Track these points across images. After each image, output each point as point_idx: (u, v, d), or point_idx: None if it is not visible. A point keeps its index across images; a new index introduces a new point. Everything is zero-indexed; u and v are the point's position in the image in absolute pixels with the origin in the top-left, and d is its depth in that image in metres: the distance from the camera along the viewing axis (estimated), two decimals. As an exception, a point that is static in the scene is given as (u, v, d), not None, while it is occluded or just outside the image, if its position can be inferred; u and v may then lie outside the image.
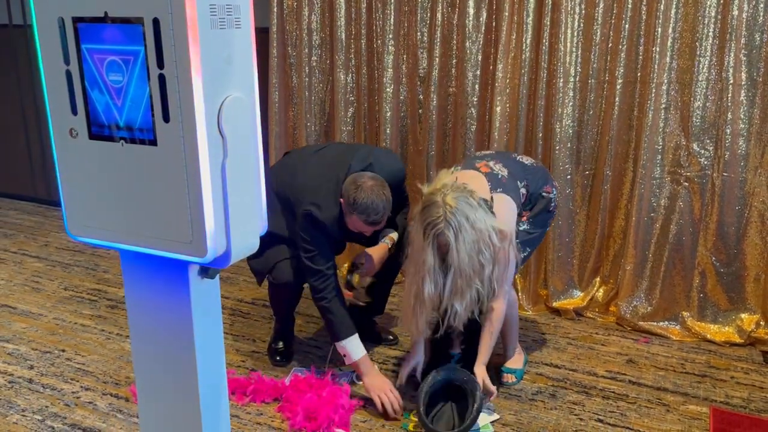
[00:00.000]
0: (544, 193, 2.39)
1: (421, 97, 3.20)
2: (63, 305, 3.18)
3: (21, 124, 4.69)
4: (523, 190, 2.33)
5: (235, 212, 1.26)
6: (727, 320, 2.85)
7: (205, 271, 1.35)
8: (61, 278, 3.50)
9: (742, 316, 2.82)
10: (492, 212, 2.10)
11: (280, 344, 2.70)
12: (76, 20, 1.21)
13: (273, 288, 2.62)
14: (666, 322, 2.91)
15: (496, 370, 2.55)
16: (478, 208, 2.02)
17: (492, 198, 2.19)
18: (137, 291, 1.44)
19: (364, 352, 2.37)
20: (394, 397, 2.30)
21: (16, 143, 4.76)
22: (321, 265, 2.35)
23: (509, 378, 2.53)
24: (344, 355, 2.37)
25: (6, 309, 3.14)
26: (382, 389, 2.31)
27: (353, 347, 2.36)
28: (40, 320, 3.02)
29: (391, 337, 2.87)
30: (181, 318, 1.40)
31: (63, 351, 2.74)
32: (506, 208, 2.21)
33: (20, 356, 2.70)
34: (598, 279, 3.09)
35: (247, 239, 1.31)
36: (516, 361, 2.58)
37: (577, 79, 2.86)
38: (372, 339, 2.86)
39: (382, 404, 2.28)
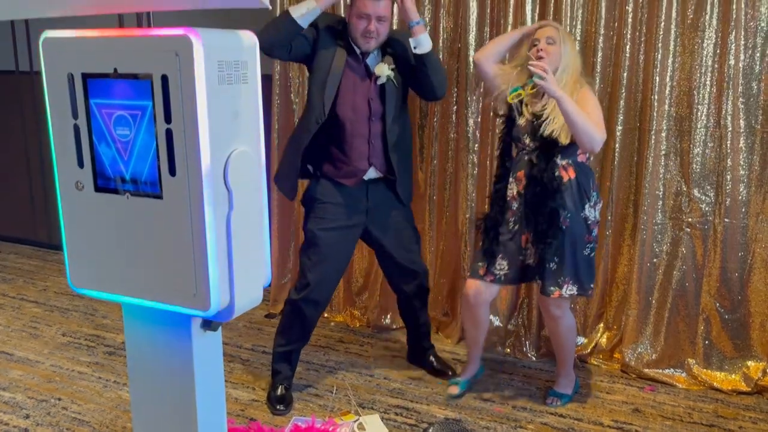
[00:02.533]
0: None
1: (422, 142, 3.22)
2: (60, 352, 3.14)
3: (24, 168, 4.71)
4: None
5: (239, 265, 1.25)
6: (733, 368, 2.81)
7: (208, 324, 1.34)
8: (60, 324, 3.46)
9: (749, 363, 2.79)
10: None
11: (279, 390, 2.66)
12: (86, 76, 1.23)
13: (296, 306, 2.59)
14: (671, 370, 2.87)
15: (544, 392, 2.70)
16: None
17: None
18: (138, 342, 1.42)
19: None
20: None
21: (19, 187, 4.77)
22: None
23: (555, 401, 2.64)
24: (306, 12, 2.35)
25: (3, 356, 3.10)
26: None
27: (300, 5, 2.36)
28: (37, 367, 2.98)
29: (450, 372, 2.86)
30: (183, 370, 1.38)
31: (59, 399, 2.70)
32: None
33: (16, 405, 2.66)
34: (601, 325, 3.06)
35: (251, 292, 1.30)
36: (566, 386, 2.67)
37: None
38: (426, 365, 2.88)
39: None
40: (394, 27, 2.94)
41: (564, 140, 2.31)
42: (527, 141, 2.43)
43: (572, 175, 2.38)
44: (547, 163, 2.37)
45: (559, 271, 2.42)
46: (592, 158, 2.51)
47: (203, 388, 1.38)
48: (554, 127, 2.31)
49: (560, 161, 2.38)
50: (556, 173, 2.37)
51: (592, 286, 2.50)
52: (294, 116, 3.42)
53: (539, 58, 2.33)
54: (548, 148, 2.36)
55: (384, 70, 2.46)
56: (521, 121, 2.45)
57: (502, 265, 2.48)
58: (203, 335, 1.36)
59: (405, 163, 2.64)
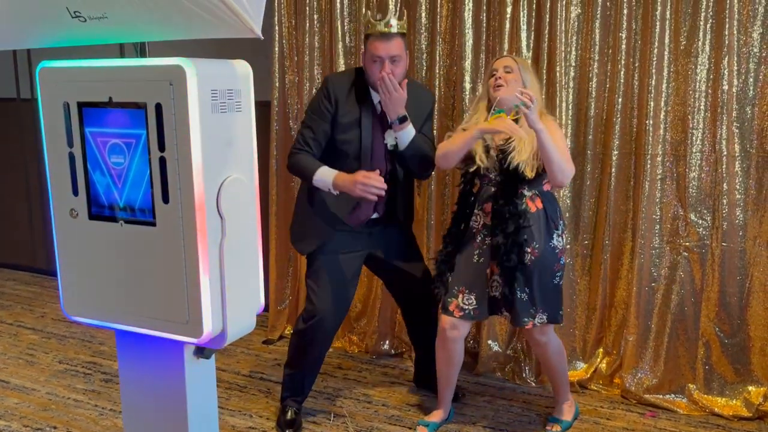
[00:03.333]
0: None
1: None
2: (57, 379, 3.12)
3: (24, 194, 4.73)
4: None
5: (232, 292, 1.25)
6: (734, 393, 2.78)
7: (201, 351, 1.33)
8: (56, 351, 3.45)
9: (750, 388, 2.77)
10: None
11: (289, 413, 2.63)
12: (82, 105, 1.24)
13: (305, 335, 2.57)
14: (672, 395, 2.85)
15: (543, 418, 2.66)
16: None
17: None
18: (132, 370, 1.42)
19: (334, 172, 2.37)
20: (374, 180, 2.30)
21: (19, 214, 4.78)
22: (307, 143, 2.44)
23: (554, 427, 2.60)
24: (327, 188, 2.39)
25: (-1, 383, 3.08)
26: (359, 183, 2.30)
27: (324, 175, 2.38)
28: (33, 395, 2.96)
29: (460, 394, 2.84)
30: (175, 397, 1.37)
31: (55, 428, 2.68)
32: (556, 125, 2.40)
33: (11, 434, 2.64)
34: (601, 350, 3.04)
35: (243, 319, 1.30)
36: (565, 412, 2.64)
37: (575, 151, 2.90)
38: (433, 388, 2.80)
39: (369, 192, 2.32)
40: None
41: (530, 173, 2.31)
42: (492, 175, 2.41)
43: (539, 205, 2.38)
44: (513, 196, 2.36)
45: (530, 302, 2.40)
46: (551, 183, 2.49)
47: (196, 416, 1.37)
48: (520, 159, 2.30)
49: (527, 192, 2.37)
50: (523, 206, 2.36)
51: (561, 312, 2.48)
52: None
53: (498, 86, 2.34)
54: (514, 180, 2.35)
55: (390, 140, 2.50)
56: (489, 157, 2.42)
57: (470, 300, 2.44)
58: (196, 362, 1.35)
59: (405, 194, 2.64)
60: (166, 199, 1.20)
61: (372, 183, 2.29)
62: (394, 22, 2.35)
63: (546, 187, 2.41)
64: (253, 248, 1.32)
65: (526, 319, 2.40)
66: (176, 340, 1.28)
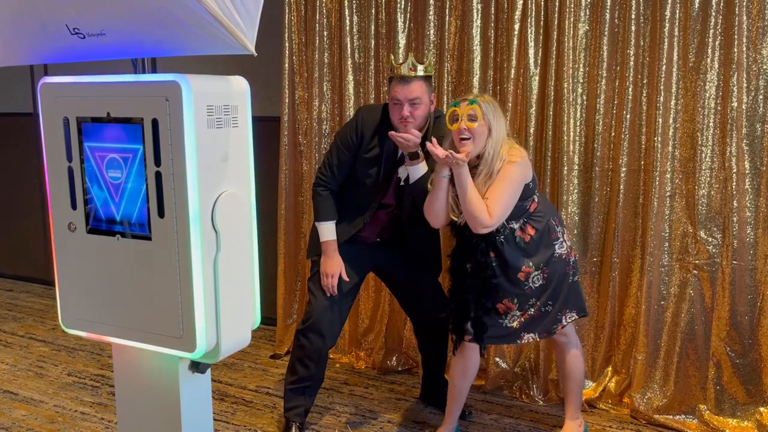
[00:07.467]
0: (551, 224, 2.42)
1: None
2: (65, 392, 3.14)
3: (39, 208, 4.79)
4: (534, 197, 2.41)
5: (226, 307, 1.26)
6: (746, 414, 2.73)
7: (196, 365, 1.33)
8: (66, 363, 3.47)
9: (762, 410, 2.71)
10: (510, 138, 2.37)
11: (293, 429, 2.63)
12: (81, 120, 1.26)
13: (301, 336, 2.60)
14: (683, 416, 2.80)
15: None
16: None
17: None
18: (128, 383, 1.42)
19: (333, 237, 2.56)
20: (333, 283, 2.54)
21: (34, 227, 4.85)
22: (332, 170, 2.54)
23: None
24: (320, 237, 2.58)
25: (8, 395, 3.10)
26: (330, 273, 2.53)
27: (326, 230, 2.56)
28: (40, 407, 2.98)
29: (466, 411, 2.82)
30: (170, 411, 1.37)
31: (60, 440, 2.69)
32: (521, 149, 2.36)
33: (17, 445, 2.65)
34: (610, 369, 3.00)
35: (238, 334, 1.30)
36: (573, 429, 2.59)
37: (583, 167, 2.88)
38: (440, 403, 2.80)
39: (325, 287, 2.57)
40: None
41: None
42: None
43: (532, 232, 2.38)
44: (478, 249, 2.37)
45: (556, 310, 2.43)
46: (537, 198, 2.42)
47: (190, 430, 1.37)
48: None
49: (515, 225, 2.37)
50: (517, 239, 2.37)
51: (585, 304, 2.54)
52: (302, 157, 3.46)
53: (463, 139, 2.25)
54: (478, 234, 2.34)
55: (402, 174, 2.53)
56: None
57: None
58: (191, 378, 1.35)
59: (423, 233, 2.65)
60: (161, 213, 1.21)
61: (329, 285, 2.55)
62: (416, 65, 2.38)
63: (531, 208, 2.40)
64: (249, 263, 1.33)
65: (554, 327, 2.45)
66: (171, 354, 1.28)
